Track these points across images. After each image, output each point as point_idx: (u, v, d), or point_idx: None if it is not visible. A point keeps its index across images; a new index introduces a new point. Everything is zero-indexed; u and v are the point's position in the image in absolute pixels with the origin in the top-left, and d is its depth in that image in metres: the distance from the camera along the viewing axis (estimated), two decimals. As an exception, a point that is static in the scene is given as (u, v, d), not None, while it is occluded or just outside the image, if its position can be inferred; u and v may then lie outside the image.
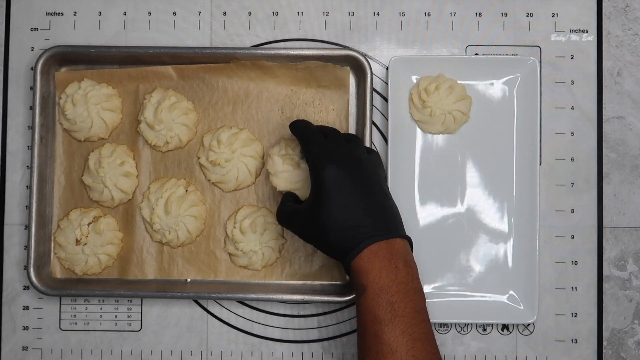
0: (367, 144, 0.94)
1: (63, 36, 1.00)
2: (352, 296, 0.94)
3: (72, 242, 0.95)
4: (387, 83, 0.97)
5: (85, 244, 0.95)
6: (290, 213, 0.89)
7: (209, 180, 0.97)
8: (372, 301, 0.79)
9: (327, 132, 0.89)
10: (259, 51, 0.96)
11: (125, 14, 1.00)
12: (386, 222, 0.83)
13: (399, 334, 0.78)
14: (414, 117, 0.96)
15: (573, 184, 0.98)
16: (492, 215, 0.97)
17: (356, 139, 0.90)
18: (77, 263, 0.96)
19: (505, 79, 0.97)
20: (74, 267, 0.96)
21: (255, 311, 0.98)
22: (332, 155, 0.85)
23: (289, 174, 0.91)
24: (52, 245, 0.97)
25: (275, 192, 0.97)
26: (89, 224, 0.95)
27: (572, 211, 0.98)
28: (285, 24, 1.00)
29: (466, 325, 0.98)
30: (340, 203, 0.83)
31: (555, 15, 0.99)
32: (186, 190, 0.96)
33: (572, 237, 0.98)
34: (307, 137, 0.87)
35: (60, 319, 0.99)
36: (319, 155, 0.85)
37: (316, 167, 0.84)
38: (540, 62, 0.99)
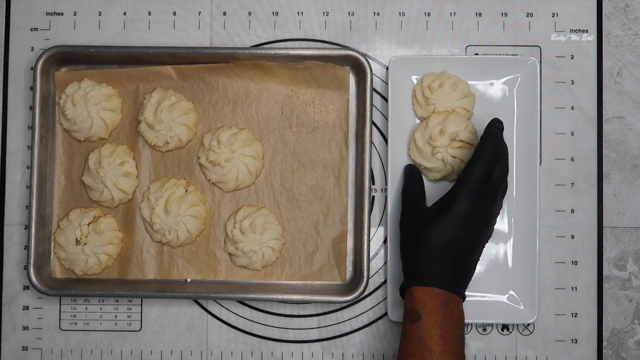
0: (367, 144, 0.94)
1: (63, 36, 1.00)
2: (352, 296, 0.94)
3: (72, 242, 0.95)
4: (387, 83, 0.97)
5: (85, 244, 0.95)
6: (416, 198, 0.92)
7: (209, 180, 0.97)
8: (425, 331, 0.83)
9: (500, 160, 0.88)
10: (259, 51, 0.96)
11: (125, 14, 1.00)
12: (464, 277, 0.87)
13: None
14: (418, 114, 0.96)
15: (573, 184, 0.98)
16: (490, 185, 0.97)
17: (505, 188, 0.90)
18: (77, 263, 0.96)
19: (505, 79, 0.97)
20: (74, 267, 0.96)
21: (255, 311, 0.99)
22: (490, 189, 0.86)
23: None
24: (52, 245, 0.97)
25: (276, 192, 0.97)
26: (89, 224, 0.95)
27: (572, 211, 0.98)
28: (285, 24, 1.00)
29: (466, 325, 0.98)
30: (453, 233, 0.85)
31: (555, 15, 0.99)
32: (186, 190, 0.96)
33: (572, 237, 0.98)
34: (480, 167, 0.86)
35: (60, 319, 0.99)
36: (472, 187, 0.85)
37: (460, 192, 0.85)
38: (540, 62, 0.99)
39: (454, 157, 0.94)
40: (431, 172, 0.95)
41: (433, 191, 0.97)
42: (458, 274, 0.86)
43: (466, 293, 0.96)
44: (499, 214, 0.90)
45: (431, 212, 0.87)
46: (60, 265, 0.97)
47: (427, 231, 0.85)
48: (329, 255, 0.97)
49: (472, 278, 0.96)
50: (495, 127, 0.87)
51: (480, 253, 0.88)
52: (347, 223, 0.97)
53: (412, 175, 0.95)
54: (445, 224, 0.85)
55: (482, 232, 0.87)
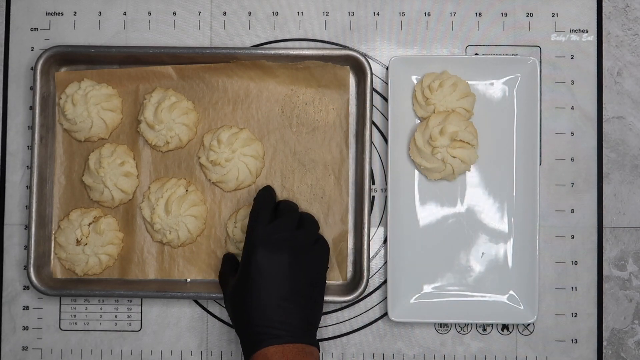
0: (367, 144, 0.94)
1: (63, 36, 1.00)
2: (352, 296, 0.94)
3: (72, 243, 0.95)
4: (387, 83, 0.97)
5: (86, 244, 0.95)
6: (223, 282, 0.91)
7: (210, 180, 0.97)
8: None
9: (281, 212, 0.90)
10: (259, 51, 0.96)
11: (125, 14, 1.00)
12: (299, 324, 0.84)
13: None
14: (418, 114, 0.96)
15: (573, 184, 0.98)
16: (492, 215, 0.97)
17: (309, 225, 0.90)
18: (77, 263, 0.96)
19: (505, 79, 0.97)
20: (75, 267, 0.96)
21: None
22: (268, 240, 0.86)
23: None
24: (53, 245, 0.97)
25: (277, 192, 0.97)
26: (90, 224, 0.95)
27: (572, 211, 0.98)
28: (285, 24, 1.00)
29: (466, 325, 0.98)
30: (255, 295, 0.84)
31: (555, 15, 0.99)
32: (186, 190, 0.96)
33: (572, 237, 0.98)
34: (255, 213, 0.89)
35: (60, 319, 0.99)
36: (255, 237, 0.86)
37: (247, 248, 0.86)
38: (540, 62, 0.99)
39: (454, 157, 0.94)
40: (431, 172, 0.95)
41: (433, 191, 0.97)
42: (292, 322, 0.84)
43: (466, 293, 0.97)
44: (315, 232, 0.90)
45: (238, 285, 0.86)
46: (60, 265, 0.97)
47: (241, 293, 0.85)
48: (330, 254, 0.97)
49: (472, 278, 0.96)
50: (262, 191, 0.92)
51: (310, 289, 0.87)
52: (348, 222, 0.97)
53: (225, 262, 0.94)
54: (247, 279, 0.85)
55: (294, 265, 0.85)
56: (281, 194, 0.97)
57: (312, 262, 0.88)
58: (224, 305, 0.98)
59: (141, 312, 0.99)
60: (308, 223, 0.91)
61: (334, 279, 0.97)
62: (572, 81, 0.99)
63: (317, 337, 0.97)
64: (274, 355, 0.82)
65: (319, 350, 0.87)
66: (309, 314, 0.86)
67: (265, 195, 0.92)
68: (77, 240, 0.95)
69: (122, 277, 0.97)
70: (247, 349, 0.85)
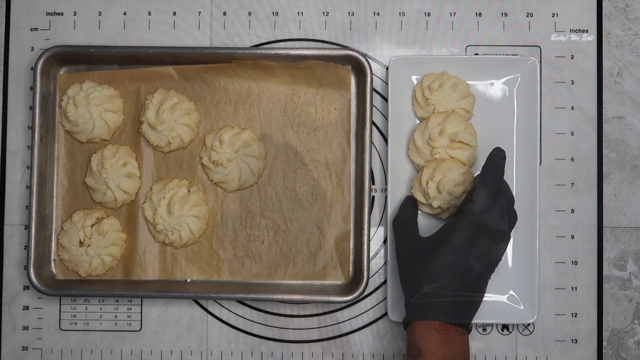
0: (367, 144, 0.94)
1: (63, 36, 1.00)
2: (352, 296, 0.94)
3: (75, 244, 0.95)
4: (387, 83, 0.97)
5: (89, 245, 0.95)
6: (409, 228, 0.91)
7: (212, 181, 0.97)
8: None
9: (503, 188, 0.87)
10: (259, 51, 0.96)
11: (125, 14, 1.00)
12: (467, 308, 0.86)
13: None
14: (417, 114, 0.97)
15: (573, 184, 0.98)
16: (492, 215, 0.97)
17: (514, 219, 0.89)
18: (81, 265, 0.96)
19: (505, 79, 0.97)
20: (78, 268, 0.96)
21: (255, 311, 0.98)
22: (490, 218, 0.85)
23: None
24: (56, 247, 0.97)
25: (279, 191, 0.97)
26: (93, 225, 0.95)
27: (572, 211, 0.98)
28: (285, 24, 1.00)
29: (466, 325, 0.98)
30: (452, 264, 0.84)
31: (555, 15, 1.00)
32: (189, 191, 0.96)
33: (572, 237, 0.98)
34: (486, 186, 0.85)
35: (60, 319, 0.99)
36: (481, 211, 0.84)
37: (464, 223, 0.85)
38: (540, 62, 0.99)
39: (453, 158, 0.94)
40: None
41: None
42: (460, 305, 0.85)
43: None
44: (506, 244, 0.88)
45: (429, 242, 0.86)
46: (63, 267, 0.97)
47: (425, 263, 0.85)
48: (332, 254, 0.97)
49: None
50: (497, 157, 0.86)
51: (485, 283, 0.87)
52: (350, 222, 0.97)
53: (408, 206, 0.94)
54: (444, 255, 0.84)
55: (485, 262, 0.85)
56: (284, 194, 0.97)
57: (500, 249, 0.87)
58: (220, 303, 0.98)
59: (141, 312, 0.99)
60: (513, 210, 0.89)
61: (336, 278, 0.97)
62: (572, 81, 0.99)
63: (317, 337, 0.98)
64: (443, 328, 0.83)
65: (469, 332, 0.88)
66: (479, 301, 0.87)
67: (501, 158, 0.87)
68: (80, 241, 0.95)
69: (125, 278, 0.97)
70: (413, 313, 0.85)
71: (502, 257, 0.88)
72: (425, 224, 0.96)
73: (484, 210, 0.84)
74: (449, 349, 0.83)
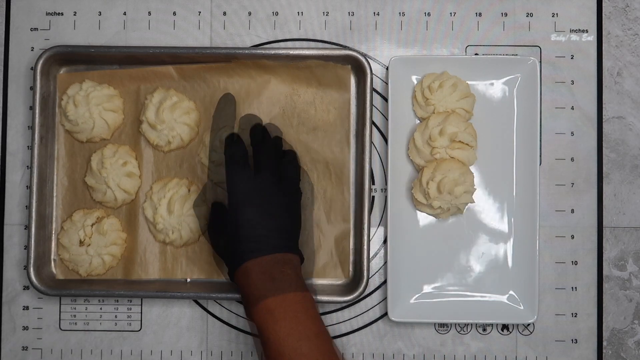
0: (367, 144, 0.94)
1: (63, 36, 1.00)
2: (352, 296, 0.94)
3: (75, 244, 0.95)
4: (387, 83, 0.97)
5: (89, 245, 0.95)
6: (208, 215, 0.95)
7: (212, 181, 0.97)
8: (254, 312, 0.85)
9: (259, 154, 0.92)
10: (259, 51, 0.96)
11: (125, 14, 1.00)
12: (276, 235, 0.88)
13: (283, 336, 0.83)
14: (417, 114, 0.97)
15: (573, 184, 0.98)
16: (492, 215, 0.97)
17: (274, 141, 0.94)
18: (81, 264, 0.96)
19: (505, 79, 0.97)
20: (78, 268, 0.96)
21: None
22: (251, 197, 0.88)
23: None
24: (56, 247, 0.97)
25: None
26: (93, 224, 0.95)
27: (572, 211, 0.98)
28: (285, 24, 1.00)
29: (466, 325, 0.98)
30: (238, 215, 0.87)
31: (555, 15, 1.00)
32: (189, 190, 0.96)
33: (572, 237, 0.98)
34: (231, 161, 0.90)
35: (60, 319, 0.98)
36: (238, 194, 0.89)
37: (231, 203, 0.89)
38: (540, 62, 0.99)
39: (453, 158, 0.94)
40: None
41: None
42: (268, 236, 0.87)
43: (466, 293, 0.97)
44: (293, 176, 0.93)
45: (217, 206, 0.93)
46: (64, 266, 0.97)
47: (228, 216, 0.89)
48: (332, 253, 0.97)
49: (472, 278, 0.96)
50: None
51: (290, 208, 0.91)
52: (350, 221, 0.97)
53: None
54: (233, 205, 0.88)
55: (272, 189, 0.89)
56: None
57: (286, 184, 0.91)
58: (220, 303, 0.98)
59: (141, 312, 0.99)
60: (274, 140, 0.94)
61: (336, 277, 0.97)
62: (572, 81, 0.99)
63: (318, 337, 0.97)
64: (252, 269, 0.86)
65: (301, 257, 0.90)
66: (285, 224, 0.89)
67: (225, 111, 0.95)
68: (80, 241, 0.95)
69: (126, 278, 0.97)
70: (230, 268, 0.88)
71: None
72: (426, 224, 0.97)
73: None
74: (267, 281, 0.85)
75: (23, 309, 0.98)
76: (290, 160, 0.94)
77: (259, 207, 0.88)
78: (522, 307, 0.95)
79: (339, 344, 0.98)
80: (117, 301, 0.99)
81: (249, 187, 0.88)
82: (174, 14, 1.00)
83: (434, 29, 1.00)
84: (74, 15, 1.00)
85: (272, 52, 0.96)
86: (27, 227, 0.96)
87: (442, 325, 0.98)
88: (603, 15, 1.00)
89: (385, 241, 0.98)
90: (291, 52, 0.96)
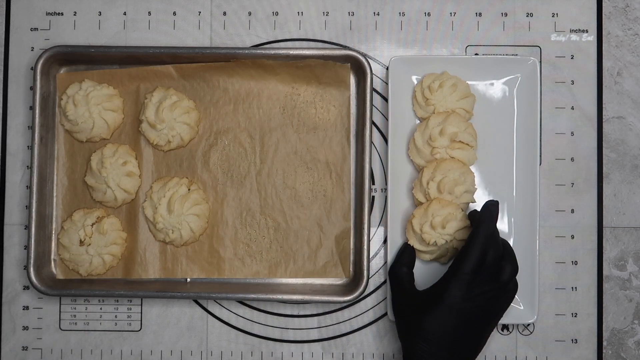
0: (367, 144, 0.94)
1: (63, 36, 1.00)
2: (352, 296, 0.94)
3: (76, 243, 0.95)
4: (387, 83, 0.97)
5: (89, 244, 0.95)
6: (405, 282, 0.91)
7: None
8: None
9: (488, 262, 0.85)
10: (259, 51, 0.96)
11: (125, 14, 1.00)
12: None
13: None
14: (417, 114, 0.97)
15: (573, 184, 0.98)
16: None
17: (512, 278, 0.86)
18: (81, 264, 0.95)
19: (505, 79, 0.97)
20: (79, 268, 0.96)
21: (255, 311, 0.98)
22: (465, 307, 0.83)
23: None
24: (56, 246, 0.97)
25: (279, 189, 0.97)
26: (93, 224, 0.95)
27: (572, 211, 0.98)
28: (285, 24, 1.00)
29: (466, 325, 0.98)
30: (446, 324, 0.83)
31: (555, 15, 1.00)
32: (189, 189, 0.96)
33: (572, 237, 0.98)
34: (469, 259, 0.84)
35: (60, 319, 0.98)
36: (455, 297, 0.83)
37: (445, 299, 0.83)
38: (540, 62, 0.99)
39: (453, 158, 0.94)
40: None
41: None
42: None
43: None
44: (505, 305, 0.87)
45: (422, 300, 0.86)
46: (64, 266, 0.97)
47: (419, 321, 0.84)
48: (333, 252, 0.97)
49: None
50: (489, 212, 0.86)
51: (483, 342, 0.86)
52: (350, 220, 0.97)
53: (404, 256, 0.93)
54: (437, 315, 0.83)
55: (481, 322, 0.85)
56: (284, 192, 0.97)
57: (495, 300, 0.86)
58: (220, 303, 0.98)
59: (141, 312, 0.99)
60: (509, 270, 0.86)
61: (337, 275, 0.97)
62: (572, 81, 0.99)
63: (317, 337, 0.98)
64: None
65: None
66: (471, 338, 0.86)
67: (488, 229, 0.86)
68: (80, 241, 0.95)
69: (126, 277, 0.97)
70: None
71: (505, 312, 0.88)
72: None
73: (476, 269, 0.83)
74: None
75: (23, 309, 0.98)
76: (511, 292, 0.88)
77: (473, 329, 0.85)
78: (522, 307, 0.95)
79: (339, 344, 0.98)
80: (117, 301, 0.99)
81: (470, 322, 0.84)
82: (174, 14, 1.00)
83: (434, 29, 1.00)
84: (74, 15, 1.00)
85: (272, 52, 0.96)
86: (27, 227, 0.96)
87: (442, 325, 0.98)
88: (603, 15, 1.00)
89: (385, 241, 0.97)
90: (291, 52, 0.96)
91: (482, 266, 0.84)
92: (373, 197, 0.98)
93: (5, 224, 0.99)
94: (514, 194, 0.97)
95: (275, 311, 0.99)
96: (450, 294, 0.83)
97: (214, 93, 0.98)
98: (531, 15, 0.99)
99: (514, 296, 0.88)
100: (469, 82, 0.97)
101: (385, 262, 0.97)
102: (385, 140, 0.98)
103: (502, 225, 0.97)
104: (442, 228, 0.91)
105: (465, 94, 0.95)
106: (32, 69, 0.99)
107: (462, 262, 0.83)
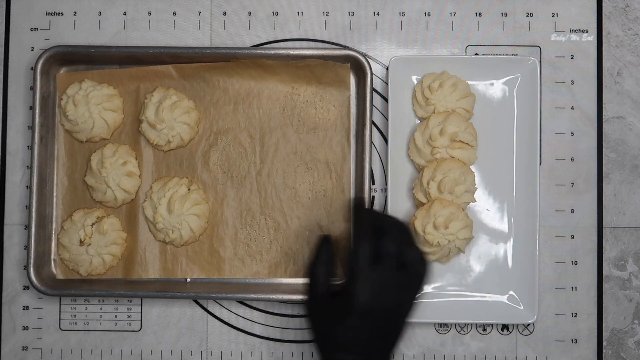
0: (367, 144, 0.94)
1: (63, 36, 1.00)
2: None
3: (76, 243, 0.95)
4: (387, 83, 0.97)
5: (89, 244, 0.95)
6: (320, 286, 0.87)
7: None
8: None
9: (384, 246, 0.84)
10: (259, 51, 0.96)
11: (125, 14, 1.00)
12: (375, 347, 0.83)
13: None
14: (418, 114, 0.97)
15: (573, 184, 0.98)
16: (492, 215, 0.97)
17: (415, 262, 0.85)
18: (81, 264, 0.95)
19: (505, 79, 0.97)
20: (79, 268, 0.96)
21: (255, 311, 0.98)
22: (371, 286, 0.82)
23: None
24: (56, 246, 0.97)
25: (279, 190, 0.97)
26: (93, 224, 0.95)
27: (572, 211, 0.98)
28: (285, 24, 1.00)
29: (466, 325, 0.98)
30: (356, 326, 0.81)
31: (555, 15, 1.00)
32: (189, 189, 0.96)
33: (572, 237, 0.98)
34: (357, 244, 0.84)
35: (60, 319, 0.98)
36: (358, 281, 0.82)
37: (351, 288, 0.82)
38: (540, 62, 0.99)
39: (454, 158, 0.94)
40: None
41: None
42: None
43: (466, 293, 0.97)
44: (416, 290, 0.85)
45: (333, 309, 0.83)
46: (64, 266, 0.97)
47: (333, 332, 0.82)
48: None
49: (472, 278, 0.96)
50: (356, 209, 0.87)
51: (402, 331, 0.84)
52: (350, 220, 0.97)
53: (322, 251, 0.89)
54: (350, 324, 0.81)
55: (396, 313, 0.83)
56: (284, 192, 0.97)
57: (404, 290, 0.84)
58: (220, 303, 0.98)
59: (141, 312, 0.99)
60: (411, 256, 0.85)
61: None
62: (572, 81, 0.99)
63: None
64: None
65: None
66: (387, 336, 0.84)
67: (365, 222, 0.85)
68: (80, 240, 0.95)
69: (126, 277, 0.97)
70: None
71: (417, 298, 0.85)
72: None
73: (371, 263, 0.82)
74: None
75: (23, 309, 0.98)
76: (418, 270, 0.86)
77: (376, 317, 0.82)
78: (522, 307, 0.95)
79: (339, 344, 0.98)
80: (117, 301, 0.99)
81: (381, 301, 0.82)
82: (174, 14, 1.00)
83: (434, 29, 1.00)
84: (74, 15, 1.00)
85: (272, 52, 0.96)
86: (27, 227, 0.96)
87: (442, 325, 0.98)
88: (603, 15, 1.00)
89: (385, 241, 0.97)
90: (291, 52, 0.96)
91: (380, 260, 0.82)
92: (373, 197, 0.98)
93: (5, 224, 0.99)
94: (514, 194, 0.97)
95: (275, 311, 0.99)
96: (358, 301, 0.81)
97: (214, 93, 0.98)
98: (531, 15, 0.99)
99: (426, 278, 0.85)
100: (469, 82, 0.97)
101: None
102: (385, 140, 0.98)
103: (502, 225, 0.97)
104: (444, 228, 0.91)
105: (465, 93, 0.95)
106: (32, 69, 0.99)
107: (354, 265, 0.82)
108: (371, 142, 0.95)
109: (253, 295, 0.94)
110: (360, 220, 0.85)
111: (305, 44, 0.99)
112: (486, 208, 0.97)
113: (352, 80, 0.98)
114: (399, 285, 0.83)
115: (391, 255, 0.83)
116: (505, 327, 0.98)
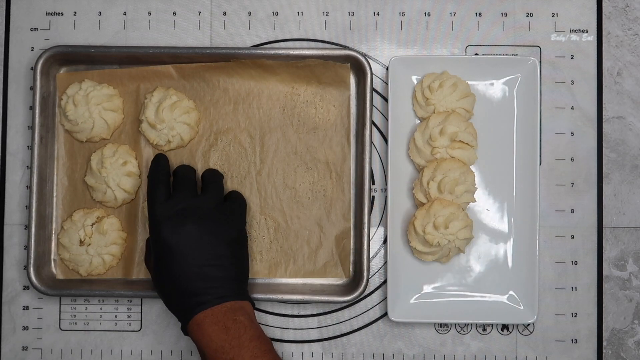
0: (367, 144, 0.94)
1: (63, 36, 1.00)
2: (352, 296, 0.94)
3: (76, 243, 0.95)
4: (387, 83, 0.97)
5: (89, 244, 0.95)
6: (148, 266, 0.94)
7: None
8: None
9: (178, 182, 0.91)
10: (259, 51, 0.96)
11: (125, 14, 1.00)
12: (224, 284, 0.86)
13: None
14: (418, 114, 0.97)
15: (573, 184, 0.98)
16: (492, 215, 0.97)
17: (212, 188, 0.92)
18: (81, 264, 0.95)
19: (505, 79, 0.97)
20: (79, 268, 0.96)
21: (255, 311, 0.98)
22: (168, 216, 0.87)
23: None
24: (56, 246, 0.97)
25: (279, 189, 0.97)
26: (93, 224, 0.95)
27: (572, 211, 0.98)
28: (285, 24, 1.00)
29: (466, 325, 0.98)
30: (173, 270, 0.86)
31: (555, 15, 1.00)
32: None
33: (572, 237, 0.98)
34: (151, 190, 0.90)
35: (60, 319, 0.98)
36: (156, 216, 0.87)
37: (152, 228, 0.87)
38: (540, 62, 0.99)
39: (454, 158, 0.94)
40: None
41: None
42: (212, 285, 0.85)
43: (466, 293, 0.97)
44: (219, 193, 0.92)
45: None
46: (64, 266, 0.97)
47: (160, 271, 0.88)
48: (333, 251, 0.97)
49: (472, 278, 0.96)
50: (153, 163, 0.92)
51: (223, 249, 0.87)
52: (350, 220, 0.97)
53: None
54: (160, 257, 0.87)
55: (202, 232, 0.87)
56: (284, 191, 0.97)
57: (223, 222, 0.89)
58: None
59: (141, 312, 0.99)
60: (211, 187, 0.92)
61: (337, 275, 0.97)
62: (572, 81, 0.99)
63: (317, 337, 0.97)
64: (204, 321, 0.83)
65: (253, 303, 0.88)
66: (232, 272, 0.87)
67: (158, 168, 0.92)
68: (80, 240, 0.95)
69: (126, 277, 0.97)
70: (182, 323, 0.86)
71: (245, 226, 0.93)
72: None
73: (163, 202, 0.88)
74: (222, 332, 0.83)
75: (23, 309, 0.98)
76: (233, 202, 0.93)
77: (206, 252, 0.86)
78: (522, 307, 0.95)
79: (339, 344, 0.98)
80: (117, 301, 0.99)
81: (187, 231, 0.87)
82: (174, 14, 1.00)
83: (434, 29, 1.00)
84: (74, 15, 1.00)
85: (272, 52, 0.96)
86: (27, 227, 0.96)
87: (442, 325, 0.98)
88: (603, 15, 1.00)
89: (385, 241, 0.97)
90: (291, 52, 0.96)
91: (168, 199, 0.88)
92: (373, 197, 0.98)
93: (5, 224, 0.99)
94: (514, 194, 0.97)
95: (275, 311, 0.98)
96: (156, 233, 0.86)
97: (214, 93, 0.98)
98: (531, 15, 0.99)
99: (240, 207, 0.93)
100: (469, 82, 0.97)
101: (385, 262, 0.97)
102: (385, 140, 0.98)
103: (502, 225, 0.97)
104: (445, 228, 0.91)
105: (465, 93, 0.95)
106: (32, 69, 0.99)
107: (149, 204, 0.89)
108: (371, 142, 0.95)
109: (253, 296, 0.94)
110: (154, 171, 0.92)
111: (305, 44, 0.99)
112: (486, 208, 0.97)
113: (352, 80, 0.98)
114: (197, 213, 0.88)
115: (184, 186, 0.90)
116: (505, 327, 0.98)
